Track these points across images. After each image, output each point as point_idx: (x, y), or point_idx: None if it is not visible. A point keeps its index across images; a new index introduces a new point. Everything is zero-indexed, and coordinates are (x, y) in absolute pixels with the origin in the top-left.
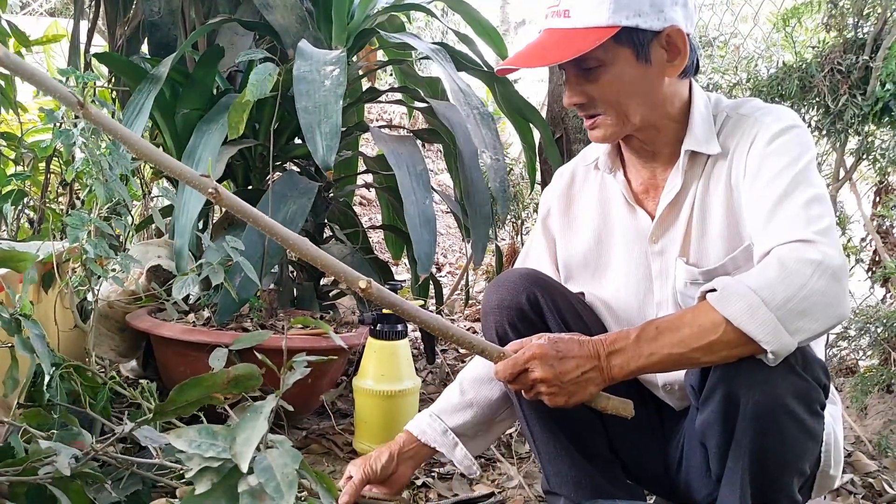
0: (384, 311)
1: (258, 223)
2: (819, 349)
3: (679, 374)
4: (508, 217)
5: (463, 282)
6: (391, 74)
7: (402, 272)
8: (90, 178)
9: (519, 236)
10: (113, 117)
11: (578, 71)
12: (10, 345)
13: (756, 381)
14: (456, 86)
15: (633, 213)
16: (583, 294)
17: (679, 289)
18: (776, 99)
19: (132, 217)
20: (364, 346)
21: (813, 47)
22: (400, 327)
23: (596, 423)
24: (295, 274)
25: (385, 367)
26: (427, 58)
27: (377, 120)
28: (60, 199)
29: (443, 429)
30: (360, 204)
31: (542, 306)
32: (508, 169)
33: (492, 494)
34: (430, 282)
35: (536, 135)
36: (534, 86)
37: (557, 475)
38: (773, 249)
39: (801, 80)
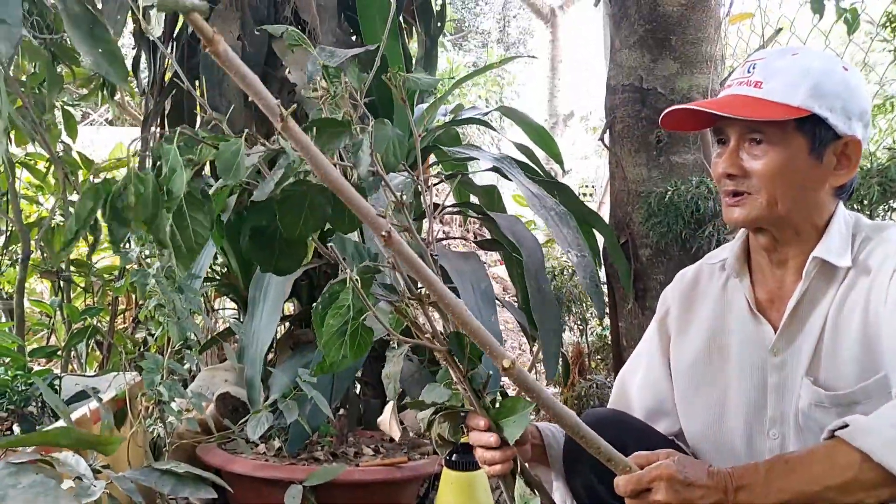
0: (461, 440)
1: (419, 272)
2: None
3: None
4: (574, 320)
5: None
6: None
7: None
8: (163, 317)
9: (584, 337)
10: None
11: (746, 142)
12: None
13: None
14: (529, 192)
15: (755, 322)
16: (677, 436)
17: (802, 409)
18: (853, 205)
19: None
20: (438, 476)
21: (888, 148)
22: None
23: None
24: (360, 390)
25: (462, 501)
26: (493, 169)
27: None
28: (127, 314)
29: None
30: None
31: (629, 452)
32: (571, 272)
33: None
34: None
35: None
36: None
37: None
38: None
39: (882, 185)
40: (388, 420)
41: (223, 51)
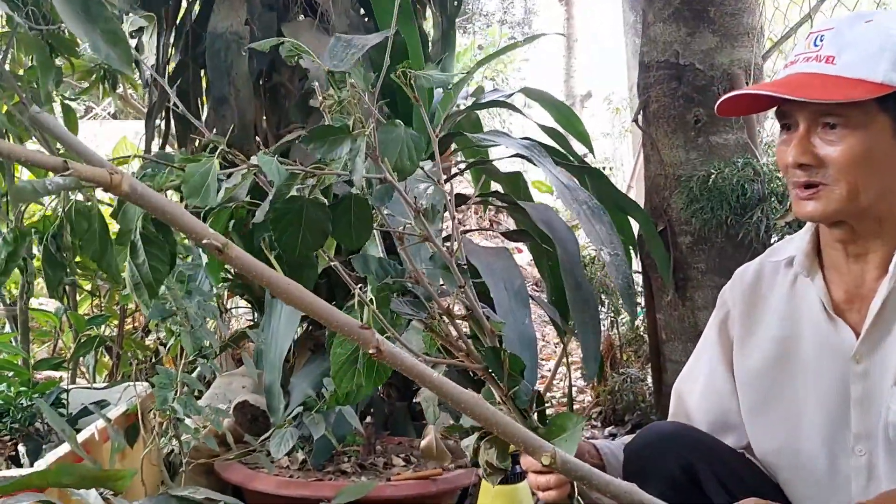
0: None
1: (423, 380)
2: None
3: None
4: (605, 312)
5: (564, 385)
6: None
7: None
8: (175, 326)
9: (615, 328)
10: None
11: (819, 126)
12: None
13: None
14: (560, 182)
15: (832, 325)
16: (746, 448)
17: (893, 422)
18: None
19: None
20: (475, 487)
21: None
22: (519, 468)
23: None
24: (385, 392)
25: None
26: (518, 155)
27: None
28: (136, 314)
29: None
30: None
31: (699, 473)
32: (602, 261)
33: None
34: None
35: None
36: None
37: None
38: None
39: None
40: (430, 446)
41: (130, 189)
